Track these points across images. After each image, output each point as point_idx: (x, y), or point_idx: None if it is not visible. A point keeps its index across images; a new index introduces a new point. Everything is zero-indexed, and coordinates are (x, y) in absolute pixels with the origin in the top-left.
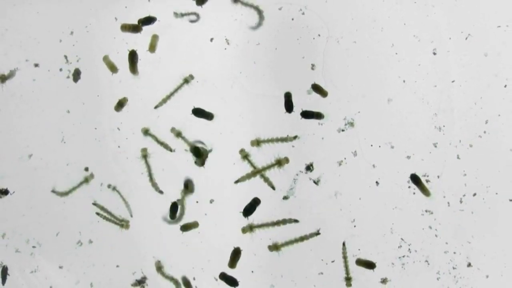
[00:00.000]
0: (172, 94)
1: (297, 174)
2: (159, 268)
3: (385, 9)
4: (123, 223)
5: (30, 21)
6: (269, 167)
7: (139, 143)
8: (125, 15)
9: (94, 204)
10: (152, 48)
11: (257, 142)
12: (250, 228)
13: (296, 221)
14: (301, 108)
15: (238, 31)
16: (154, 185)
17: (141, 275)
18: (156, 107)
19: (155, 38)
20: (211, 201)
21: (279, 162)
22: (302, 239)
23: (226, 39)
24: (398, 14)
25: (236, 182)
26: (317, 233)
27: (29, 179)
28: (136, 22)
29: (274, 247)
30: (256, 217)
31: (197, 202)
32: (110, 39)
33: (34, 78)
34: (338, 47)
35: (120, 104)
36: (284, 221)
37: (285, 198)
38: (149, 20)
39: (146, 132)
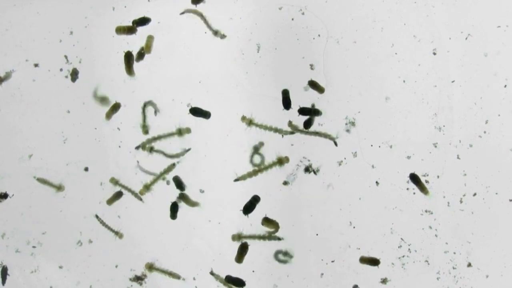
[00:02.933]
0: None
1: (294, 172)
2: (151, 267)
3: (385, 9)
4: (118, 233)
5: (30, 21)
6: (270, 166)
7: (139, 143)
8: (124, 15)
9: (96, 217)
10: (148, 48)
11: (249, 121)
12: (238, 237)
13: (279, 239)
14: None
15: (237, 31)
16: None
17: (141, 273)
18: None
19: (150, 38)
20: (210, 201)
21: (280, 161)
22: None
23: (225, 37)
24: (398, 14)
25: (236, 180)
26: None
27: (29, 179)
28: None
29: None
30: (256, 216)
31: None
32: (110, 39)
33: (34, 78)
34: (338, 47)
35: (115, 108)
36: (269, 237)
37: (286, 183)
38: (143, 21)
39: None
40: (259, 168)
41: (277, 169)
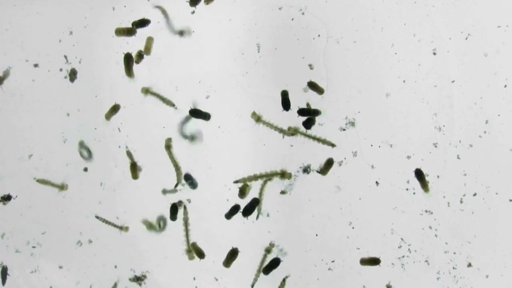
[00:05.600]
0: None
1: (297, 171)
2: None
3: (385, 9)
4: (122, 227)
5: (30, 21)
6: (272, 174)
7: (139, 143)
8: (124, 15)
9: (97, 217)
10: (147, 50)
11: (257, 118)
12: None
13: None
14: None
15: (237, 31)
16: (179, 175)
17: (140, 273)
18: None
19: (150, 40)
20: (211, 201)
21: (283, 174)
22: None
23: (225, 39)
24: (398, 14)
25: (236, 182)
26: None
27: (29, 180)
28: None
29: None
30: (255, 216)
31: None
32: (110, 39)
33: (34, 78)
34: (338, 47)
35: (114, 109)
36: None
37: (283, 192)
38: (143, 23)
39: (146, 91)
40: (260, 174)
41: (277, 169)
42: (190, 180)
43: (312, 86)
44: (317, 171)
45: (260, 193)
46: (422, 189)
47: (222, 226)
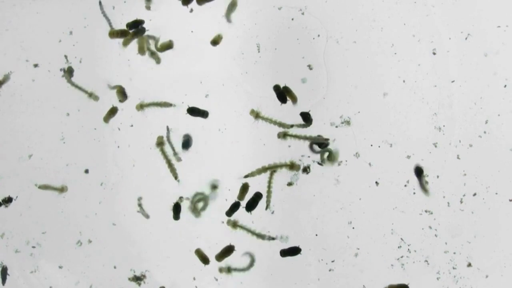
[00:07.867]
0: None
1: (295, 174)
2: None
3: (385, 9)
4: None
5: (30, 21)
6: (281, 165)
7: (139, 143)
8: (124, 14)
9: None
10: (141, 50)
11: (256, 114)
12: (233, 224)
13: (272, 238)
14: (301, 110)
15: (237, 31)
16: (173, 171)
17: (140, 273)
18: None
19: (142, 40)
20: (211, 201)
21: (292, 166)
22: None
23: (225, 39)
24: (398, 14)
25: (246, 176)
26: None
27: (29, 180)
28: (135, 24)
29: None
30: (256, 213)
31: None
32: (110, 39)
33: (34, 79)
34: (338, 47)
35: (112, 112)
36: (263, 236)
37: (290, 184)
38: (136, 24)
39: (141, 107)
40: (269, 166)
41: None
42: (187, 141)
43: (286, 93)
44: (318, 163)
45: (269, 185)
46: (420, 188)
47: (220, 225)
